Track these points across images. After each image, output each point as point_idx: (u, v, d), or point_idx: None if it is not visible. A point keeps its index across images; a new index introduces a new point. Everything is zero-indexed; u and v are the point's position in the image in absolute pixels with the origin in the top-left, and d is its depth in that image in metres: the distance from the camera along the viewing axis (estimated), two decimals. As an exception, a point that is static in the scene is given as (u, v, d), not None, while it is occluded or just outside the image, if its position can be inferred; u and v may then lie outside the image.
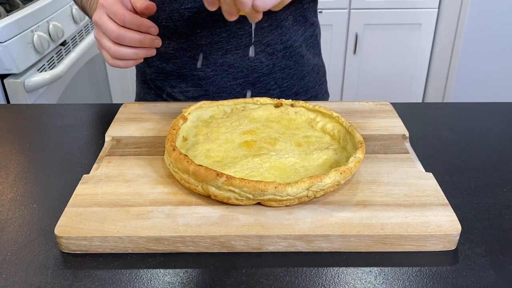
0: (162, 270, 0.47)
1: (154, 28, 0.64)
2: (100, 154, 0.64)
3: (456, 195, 0.58)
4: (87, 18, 1.70)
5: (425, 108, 0.88)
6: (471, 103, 0.86)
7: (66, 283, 0.45)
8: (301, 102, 0.70)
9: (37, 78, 1.31)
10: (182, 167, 0.54)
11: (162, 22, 0.80)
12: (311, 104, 0.69)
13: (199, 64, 0.82)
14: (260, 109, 0.70)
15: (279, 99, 0.72)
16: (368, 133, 0.68)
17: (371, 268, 0.47)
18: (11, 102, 1.28)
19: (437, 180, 0.57)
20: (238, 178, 0.50)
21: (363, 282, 0.46)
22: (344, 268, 0.47)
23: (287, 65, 0.86)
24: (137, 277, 0.46)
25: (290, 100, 0.71)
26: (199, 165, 0.52)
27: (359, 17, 2.23)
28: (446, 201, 0.53)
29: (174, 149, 0.56)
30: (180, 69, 0.85)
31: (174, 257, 0.49)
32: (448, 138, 0.72)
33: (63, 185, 0.60)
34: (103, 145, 0.67)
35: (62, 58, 1.52)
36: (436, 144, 0.70)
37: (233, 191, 0.51)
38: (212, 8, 0.56)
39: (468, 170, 0.63)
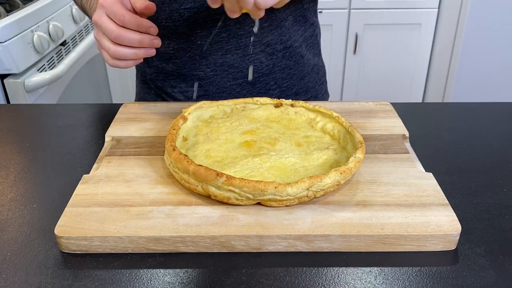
0: (162, 270, 0.47)
1: (154, 28, 0.64)
2: (100, 154, 0.64)
3: (456, 195, 0.58)
4: (87, 18, 1.70)
5: (425, 108, 0.88)
6: (471, 103, 0.86)
7: (66, 283, 0.45)
8: (301, 102, 0.70)
9: (37, 78, 1.31)
10: (182, 167, 0.54)
11: (162, 22, 0.80)
12: (311, 104, 0.69)
13: (194, 95, 0.84)
14: (260, 109, 0.70)
15: (279, 99, 0.72)
16: (368, 133, 0.68)
17: (371, 268, 0.47)
18: (11, 102, 1.28)
19: (437, 180, 0.57)
20: (238, 178, 0.50)
21: (363, 282, 0.46)
22: (344, 268, 0.47)
23: (287, 65, 0.86)
24: (137, 277, 0.46)
25: (290, 100, 0.71)
26: (199, 165, 0.52)
27: (359, 17, 2.23)
28: (446, 201, 0.53)
29: (174, 149, 0.56)
30: (180, 69, 0.85)
31: (174, 257, 0.49)
32: (448, 138, 0.72)
33: (63, 185, 0.60)
34: (103, 145, 0.67)
35: (62, 58, 1.52)
36: (436, 144, 0.70)
37: (233, 191, 0.51)
38: (214, 5, 0.57)
39: (468, 170, 0.63)
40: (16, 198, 0.58)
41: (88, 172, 0.60)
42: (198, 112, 0.69)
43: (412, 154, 0.64)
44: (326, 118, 0.67)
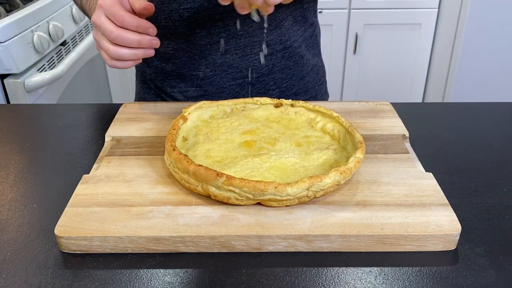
0: (162, 270, 0.47)
1: (153, 29, 0.64)
2: (100, 154, 0.64)
3: (456, 195, 0.58)
4: (87, 18, 1.70)
5: (425, 108, 0.88)
6: (471, 103, 0.86)
7: (66, 283, 0.45)
8: (301, 102, 0.70)
9: (37, 78, 1.31)
10: (182, 167, 0.54)
11: (161, 22, 0.80)
12: (311, 104, 0.69)
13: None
14: (260, 109, 0.70)
15: (279, 99, 0.72)
16: (368, 133, 0.68)
17: (371, 268, 0.47)
18: (11, 102, 1.28)
19: (437, 180, 0.57)
20: (238, 178, 0.50)
21: (363, 282, 0.46)
22: (344, 268, 0.47)
23: (286, 65, 0.86)
24: (137, 277, 0.46)
25: (290, 100, 0.71)
26: (199, 165, 0.52)
27: (359, 17, 2.23)
28: (446, 201, 0.53)
29: (174, 149, 0.56)
30: (180, 69, 0.85)
31: (174, 257, 0.49)
32: (448, 138, 0.72)
33: (63, 185, 0.60)
34: (103, 145, 0.67)
35: (62, 58, 1.52)
36: (436, 144, 0.70)
37: (233, 191, 0.51)
38: (225, 3, 0.57)
39: (468, 170, 0.63)
40: (16, 198, 0.58)
41: (88, 172, 0.60)
42: (198, 112, 0.69)
43: (412, 154, 0.64)
44: (326, 118, 0.67)
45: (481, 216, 0.54)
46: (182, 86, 0.86)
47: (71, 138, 0.72)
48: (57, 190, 0.60)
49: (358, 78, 2.38)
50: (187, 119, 0.66)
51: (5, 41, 1.21)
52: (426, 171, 0.60)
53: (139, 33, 0.63)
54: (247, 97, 0.73)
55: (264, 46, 0.82)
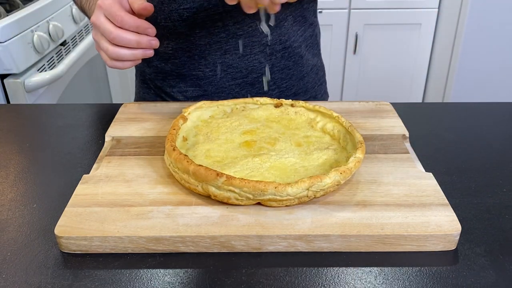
0: (162, 270, 0.47)
1: (152, 29, 0.64)
2: (100, 154, 0.64)
3: (456, 195, 0.58)
4: (87, 18, 1.70)
5: (425, 108, 0.88)
6: (471, 103, 0.86)
7: (66, 283, 0.45)
8: (301, 102, 0.70)
9: (37, 78, 1.31)
10: (182, 167, 0.54)
11: (161, 22, 0.80)
12: (311, 104, 0.69)
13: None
14: (260, 109, 0.70)
15: (279, 99, 0.72)
16: (368, 133, 0.68)
17: (371, 268, 0.47)
18: (11, 102, 1.28)
19: (437, 180, 0.57)
20: (238, 178, 0.50)
21: (363, 282, 0.46)
22: (344, 268, 0.47)
23: (286, 65, 0.86)
24: (137, 277, 0.46)
25: (290, 100, 0.71)
26: (199, 165, 0.52)
27: (359, 17, 2.23)
28: (446, 201, 0.53)
29: (174, 149, 0.56)
30: (179, 69, 0.85)
31: (174, 257, 0.49)
32: (448, 138, 0.72)
33: (63, 185, 0.60)
34: (103, 145, 0.67)
35: (62, 58, 1.52)
36: (436, 144, 0.70)
37: (233, 191, 0.51)
38: (231, 2, 0.57)
39: (468, 170, 0.63)
40: (16, 198, 0.58)
41: (88, 172, 0.60)
42: (198, 112, 0.69)
43: (412, 154, 0.64)
44: (326, 118, 0.67)
45: (481, 216, 0.54)
46: (181, 86, 0.86)
47: (71, 138, 0.72)
48: (57, 190, 0.60)
49: (358, 78, 2.38)
50: (187, 119, 0.66)
51: (5, 41, 1.21)
52: (426, 171, 0.60)
53: (138, 33, 0.63)
54: (247, 97, 0.73)
55: (267, 70, 0.82)
